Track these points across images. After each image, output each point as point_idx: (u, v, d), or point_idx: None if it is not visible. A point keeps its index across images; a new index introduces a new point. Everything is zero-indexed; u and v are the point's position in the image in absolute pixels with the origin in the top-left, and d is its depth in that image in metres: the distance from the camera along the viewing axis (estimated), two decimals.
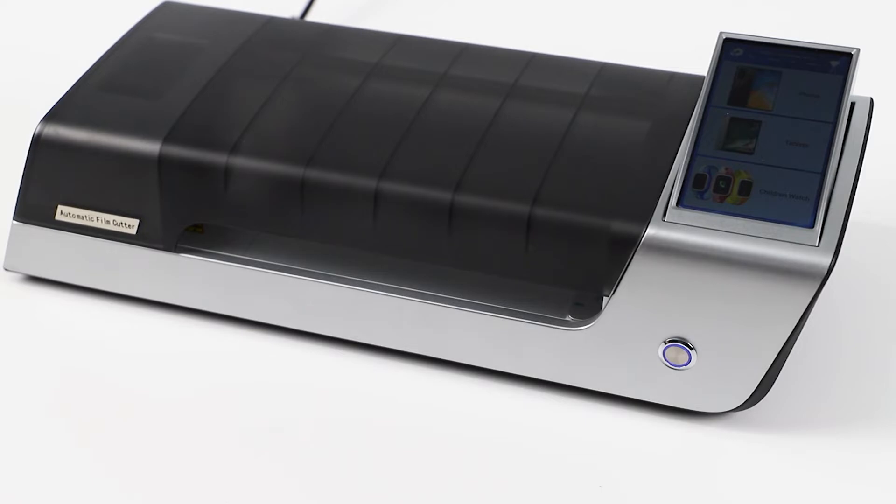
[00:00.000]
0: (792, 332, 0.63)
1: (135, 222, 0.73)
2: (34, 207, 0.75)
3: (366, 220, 0.68)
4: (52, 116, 0.74)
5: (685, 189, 0.64)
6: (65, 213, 0.74)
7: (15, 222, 0.76)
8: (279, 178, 0.69)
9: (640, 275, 0.64)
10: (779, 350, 0.64)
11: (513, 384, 0.71)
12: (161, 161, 0.71)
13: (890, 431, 0.69)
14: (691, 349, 0.65)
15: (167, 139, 0.71)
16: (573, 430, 0.68)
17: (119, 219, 0.74)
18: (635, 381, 0.67)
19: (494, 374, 0.71)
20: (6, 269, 0.78)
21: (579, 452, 0.67)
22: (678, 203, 0.64)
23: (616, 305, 0.65)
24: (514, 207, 0.66)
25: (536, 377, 0.69)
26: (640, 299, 0.65)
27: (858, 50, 0.68)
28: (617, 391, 0.68)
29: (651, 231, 0.64)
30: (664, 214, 0.64)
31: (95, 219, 0.74)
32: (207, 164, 0.71)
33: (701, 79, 0.74)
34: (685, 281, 0.63)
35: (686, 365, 0.66)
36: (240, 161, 0.70)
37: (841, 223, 0.63)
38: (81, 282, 0.76)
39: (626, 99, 0.74)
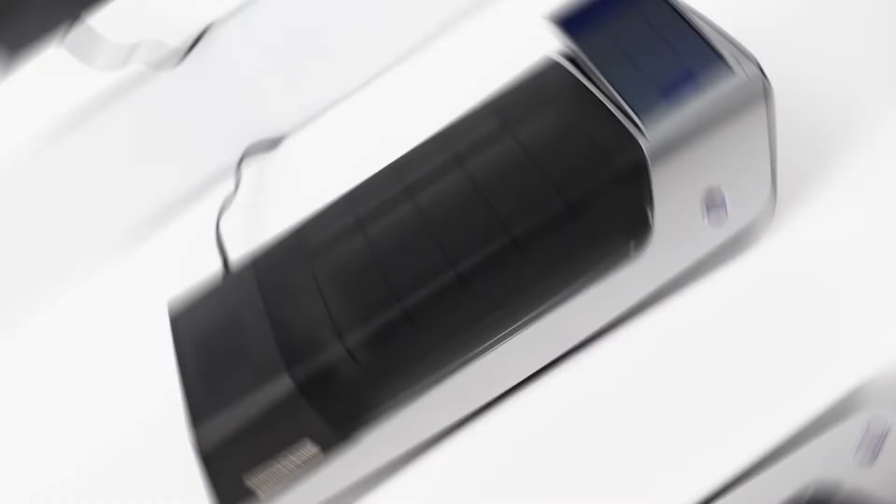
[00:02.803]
0: (770, 139, 0.82)
1: (312, 446, 0.84)
2: (229, 494, 0.84)
3: (465, 299, 0.83)
4: (197, 425, 0.84)
5: (634, 106, 0.82)
6: (254, 482, 0.85)
7: None
8: (388, 325, 0.83)
9: (661, 177, 0.81)
10: (769, 155, 0.83)
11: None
12: (298, 385, 0.82)
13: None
14: (722, 194, 0.83)
15: (289, 368, 0.83)
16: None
17: (299, 453, 0.84)
18: (691, 248, 0.85)
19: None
20: None
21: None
22: (640, 118, 0.81)
23: (660, 210, 0.82)
24: (553, 209, 0.82)
25: (630, 306, 0.86)
26: (671, 192, 0.82)
27: None
28: (693, 260, 0.86)
29: (647, 145, 0.80)
30: (642, 132, 0.81)
31: (283, 468, 0.85)
32: (333, 361, 0.83)
33: (553, 63, 0.91)
34: (690, 155, 0.80)
35: (723, 206, 0.84)
36: (353, 339, 0.83)
37: (742, 52, 0.82)
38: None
39: (527, 104, 0.89)
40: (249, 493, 0.84)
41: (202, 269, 1.17)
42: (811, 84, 0.95)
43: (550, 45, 0.90)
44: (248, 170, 1.28)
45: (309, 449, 0.84)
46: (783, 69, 0.85)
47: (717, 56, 0.81)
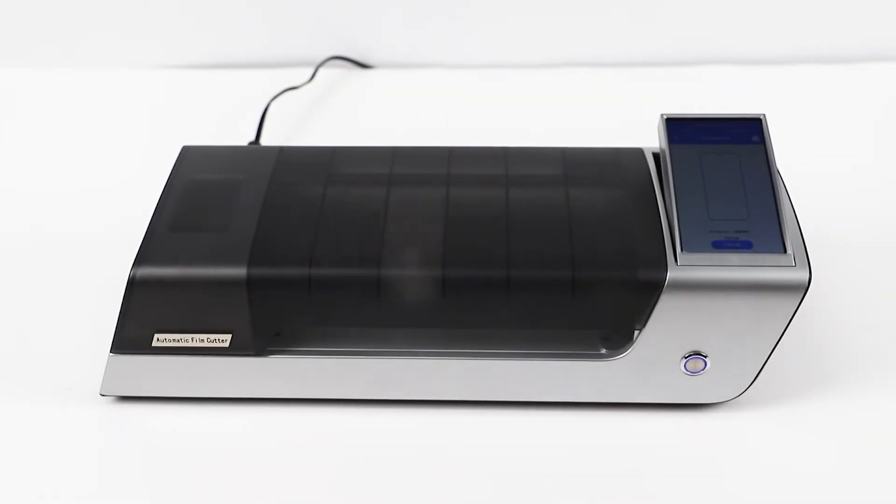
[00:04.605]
0: (782, 334, 0.82)
1: (227, 337, 0.84)
2: (131, 339, 0.83)
3: (437, 302, 0.82)
4: (141, 260, 0.83)
5: (683, 238, 0.82)
6: (161, 339, 0.84)
7: (112, 355, 0.85)
8: (358, 280, 0.82)
9: (665, 309, 0.81)
10: (771, 348, 0.82)
11: (556, 410, 0.86)
12: (249, 282, 0.82)
13: (831, 400, 0.87)
14: (706, 357, 0.83)
15: (251, 263, 0.82)
16: (621, 433, 0.84)
17: (212, 336, 0.84)
18: (662, 389, 0.84)
19: (541, 405, 0.86)
20: (102, 395, 0.86)
21: (630, 449, 0.83)
22: (683, 249, 0.81)
23: (647, 335, 0.82)
24: (559, 274, 0.81)
25: (584, 401, 0.85)
26: (666, 327, 0.81)
27: (765, 115, 0.88)
28: (647, 400, 0.85)
29: (671, 274, 0.80)
30: (675, 259, 0.81)
31: (190, 339, 0.84)
32: (292, 279, 0.82)
33: (637, 150, 0.92)
34: (700, 308, 0.80)
35: (702, 371, 0.83)
36: (320, 271, 0.82)
37: (802, 245, 0.82)
38: (175, 394, 0.86)
39: (595, 174, 0.89)
40: (148, 346, 0.84)
41: (234, 132, 1.17)
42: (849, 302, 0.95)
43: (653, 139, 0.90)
44: (329, 74, 1.27)
45: (222, 339, 0.84)
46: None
47: (780, 238, 0.81)
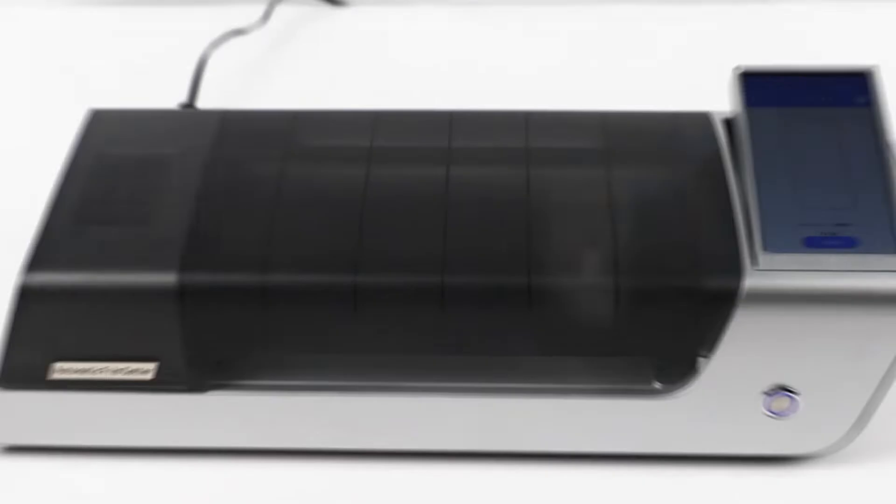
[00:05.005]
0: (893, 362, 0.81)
1: (150, 366, 0.83)
2: (21, 370, 0.82)
3: (432, 320, 0.81)
4: (35, 263, 0.82)
5: (766, 233, 0.81)
6: (61, 370, 0.83)
7: None
8: (328, 289, 0.81)
9: (740, 329, 0.79)
10: (881, 382, 0.81)
11: (596, 464, 0.85)
12: (182, 292, 0.81)
13: None
14: (795, 395, 0.82)
15: (183, 267, 0.81)
16: (682, 496, 0.83)
17: (131, 366, 0.83)
18: (736, 436, 0.83)
19: (575, 458, 0.85)
20: None
21: None
22: (765, 248, 0.80)
23: (716, 364, 0.80)
24: (597, 281, 0.80)
25: (632, 452, 0.84)
26: (742, 353, 0.79)
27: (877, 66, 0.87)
28: (717, 451, 0.84)
29: (749, 282, 0.79)
30: (752, 262, 0.80)
31: (101, 370, 0.83)
32: (240, 288, 0.81)
33: (703, 115, 0.91)
34: (787, 327, 0.78)
35: (790, 412, 0.82)
36: (278, 278, 0.81)
37: None
38: (81, 443, 0.85)
39: (645, 148, 0.88)
40: (44, 379, 0.82)
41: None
42: None
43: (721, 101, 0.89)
44: (287, 13, 1.27)
45: (145, 369, 0.83)
46: None
47: (895, 234, 0.80)
